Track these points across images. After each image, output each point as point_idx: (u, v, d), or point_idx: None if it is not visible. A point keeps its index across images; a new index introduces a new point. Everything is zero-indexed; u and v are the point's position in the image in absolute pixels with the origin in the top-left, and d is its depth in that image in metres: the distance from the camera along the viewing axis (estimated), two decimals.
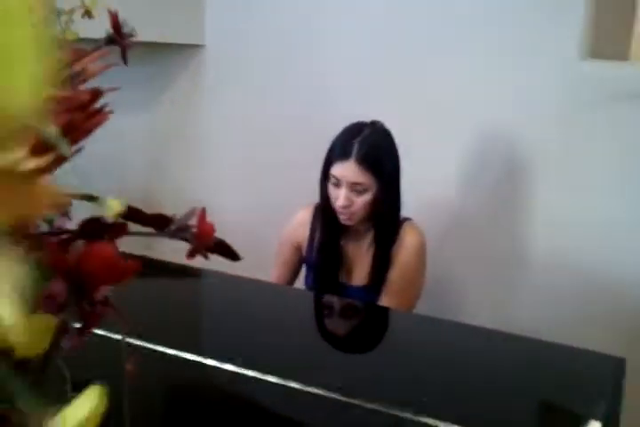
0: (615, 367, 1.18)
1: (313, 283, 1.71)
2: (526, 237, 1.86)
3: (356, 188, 1.51)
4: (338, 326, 1.43)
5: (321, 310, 1.54)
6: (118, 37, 0.42)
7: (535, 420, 1.07)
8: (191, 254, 0.47)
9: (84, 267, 0.22)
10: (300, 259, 1.74)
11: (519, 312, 1.89)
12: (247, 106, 2.25)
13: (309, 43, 2.11)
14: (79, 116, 0.36)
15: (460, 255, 1.96)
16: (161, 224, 0.48)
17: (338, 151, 1.53)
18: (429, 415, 0.96)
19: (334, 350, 1.29)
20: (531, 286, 1.87)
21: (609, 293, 1.76)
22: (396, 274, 1.61)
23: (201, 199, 2.26)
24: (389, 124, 1.59)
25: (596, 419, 1.02)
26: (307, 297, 1.64)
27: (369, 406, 0.98)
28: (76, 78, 0.43)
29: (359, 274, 1.67)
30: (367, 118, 1.59)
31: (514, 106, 1.84)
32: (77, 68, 0.42)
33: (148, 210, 0.43)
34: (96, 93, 0.39)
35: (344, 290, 1.67)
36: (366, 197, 1.53)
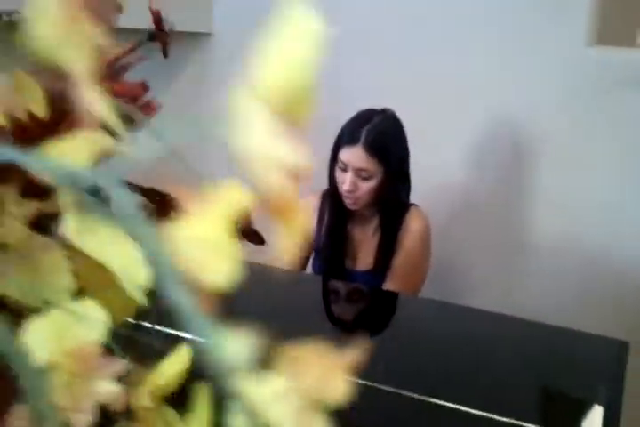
0: (618, 351, 1.21)
1: (320, 269, 1.74)
2: (533, 222, 1.89)
3: (361, 173, 1.54)
4: (344, 310, 1.45)
5: (327, 295, 1.56)
6: (160, 33, 0.45)
7: (539, 403, 1.10)
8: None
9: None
10: (308, 246, 1.77)
11: (525, 296, 1.92)
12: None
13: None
14: (132, 108, 0.39)
15: (466, 240, 1.99)
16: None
17: (347, 136, 1.55)
18: (436, 397, 0.99)
19: (342, 335, 1.32)
20: (537, 270, 1.90)
21: (614, 277, 1.79)
22: (400, 259, 1.64)
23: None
24: (398, 113, 1.61)
25: (599, 403, 1.05)
26: (315, 282, 1.67)
27: (383, 387, 1.01)
28: (120, 71, 0.45)
29: (364, 259, 1.70)
30: (387, 103, 1.61)
31: (521, 92, 1.85)
32: (120, 61, 0.45)
33: None
34: (144, 86, 0.42)
35: (350, 275, 1.70)
36: (371, 184, 1.55)
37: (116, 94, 0.41)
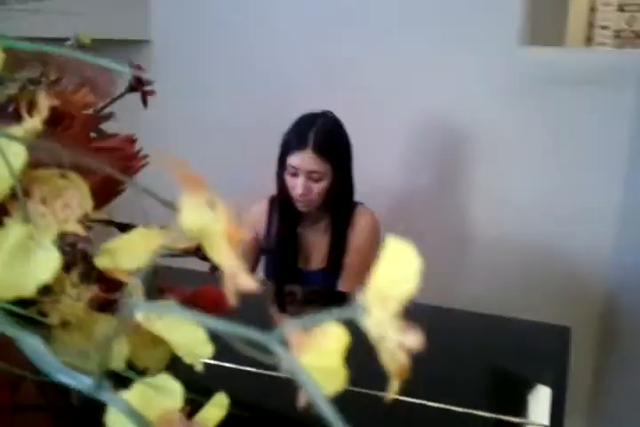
0: (561, 336, 1.29)
1: (273, 271, 1.78)
2: (471, 216, 1.97)
3: (312, 176, 1.59)
4: (299, 313, 1.50)
5: (282, 299, 1.61)
6: (140, 86, 0.48)
7: (489, 391, 1.16)
8: (212, 271, 0.54)
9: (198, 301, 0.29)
10: (258, 250, 1.81)
11: (468, 287, 2.00)
12: (197, 104, 2.28)
13: (260, 39, 2.15)
14: (122, 163, 0.42)
15: (408, 235, 2.05)
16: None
17: (294, 142, 1.60)
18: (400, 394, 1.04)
19: None
20: (478, 261, 1.98)
21: (552, 265, 1.88)
22: (352, 257, 1.70)
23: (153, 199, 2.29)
24: (339, 111, 1.67)
25: (547, 385, 1.13)
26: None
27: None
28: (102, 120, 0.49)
29: (317, 258, 1.75)
30: (314, 109, 1.66)
31: (455, 91, 1.92)
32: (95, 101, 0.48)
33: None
34: (132, 140, 0.45)
35: (303, 275, 1.75)
36: (323, 184, 1.61)
37: (103, 149, 0.45)
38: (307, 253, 1.76)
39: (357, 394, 1.02)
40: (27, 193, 0.24)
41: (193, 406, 0.24)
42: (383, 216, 1.87)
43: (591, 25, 3.85)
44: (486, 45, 1.86)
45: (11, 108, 0.35)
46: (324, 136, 1.59)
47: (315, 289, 1.69)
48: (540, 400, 1.09)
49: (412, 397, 1.03)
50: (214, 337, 0.24)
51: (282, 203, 1.69)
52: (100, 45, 1.93)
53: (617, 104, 1.76)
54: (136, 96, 0.52)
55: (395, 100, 1.99)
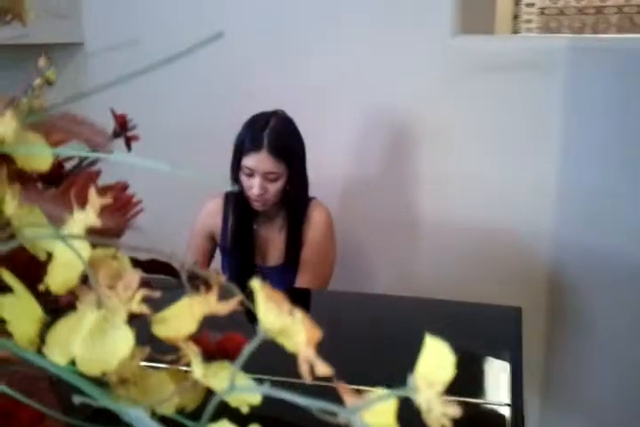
0: (513, 316, 1.37)
1: (230, 269, 1.81)
2: (420, 201, 2.03)
3: (269, 176, 1.62)
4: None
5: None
6: (124, 133, 0.52)
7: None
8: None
9: (224, 349, 0.33)
10: (213, 247, 1.84)
11: (422, 271, 2.07)
12: (133, 105, 2.27)
13: (195, 37, 2.16)
14: (120, 213, 0.46)
15: (359, 225, 2.11)
16: (170, 273, 0.59)
17: (248, 143, 1.62)
18: (357, 383, 1.08)
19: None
20: (429, 246, 2.05)
21: (496, 246, 1.97)
22: (308, 251, 1.74)
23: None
24: (281, 107, 1.71)
25: (504, 365, 1.20)
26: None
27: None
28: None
29: (273, 255, 1.79)
30: (261, 104, 1.70)
31: (397, 81, 1.98)
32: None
33: None
34: (124, 186, 0.49)
35: (261, 271, 1.79)
36: (279, 184, 1.65)
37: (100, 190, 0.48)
38: (263, 249, 1.80)
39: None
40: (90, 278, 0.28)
41: None
42: (335, 204, 1.93)
43: (517, 3, 4.00)
44: (421, 36, 1.93)
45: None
46: (278, 137, 1.62)
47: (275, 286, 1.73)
48: (499, 380, 1.16)
49: (372, 385, 1.08)
50: None
51: (236, 201, 1.73)
52: (29, 50, 1.90)
53: (547, 87, 1.84)
54: None
55: (339, 92, 2.03)
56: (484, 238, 1.96)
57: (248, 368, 0.28)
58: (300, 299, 1.61)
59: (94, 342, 0.26)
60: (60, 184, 0.55)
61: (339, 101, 2.05)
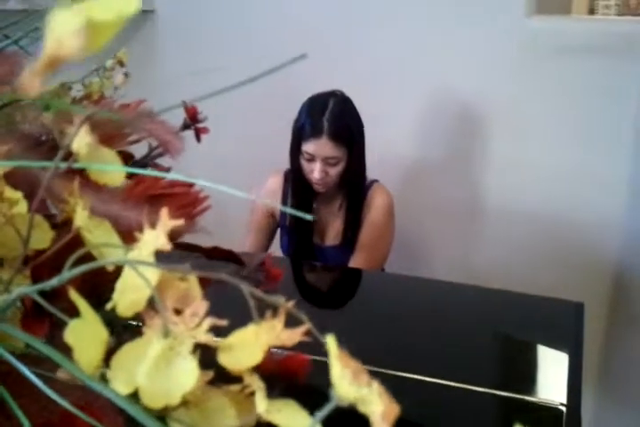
0: (575, 312, 1.33)
1: (288, 246, 1.82)
2: (484, 186, 2.00)
3: (329, 161, 1.62)
4: (312, 289, 1.54)
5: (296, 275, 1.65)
6: (194, 124, 0.51)
7: (504, 369, 1.19)
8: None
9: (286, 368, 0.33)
10: (274, 225, 1.84)
11: (483, 259, 2.04)
12: (203, 72, 2.28)
13: (263, 8, 2.14)
14: (187, 210, 0.45)
15: (423, 206, 2.09)
16: (234, 260, 0.58)
17: (308, 129, 1.61)
18: (405, 370, 1.08)
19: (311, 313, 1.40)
20: (491, 233, 2.01)
21: (563, 237, 1.92)
22: (366, 234, 1.73)
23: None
24: (347, 85, 1.69)
25: (563, 364, 1.17)
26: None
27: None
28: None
29: (331, 235, 1.79)
30: (323, 83, 1.68)
31: (463, 63, 1.93)
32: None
33: None
34: (190, 184, 0.48)
35: (319, 250, 1.79)
36: (339, 167, 1.64)
37: (167, 196, 0.48)
38: (322, 229, 1.80)
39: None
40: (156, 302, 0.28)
41: None
42: (397, 189, 1.90)
43: None
44: (494, 17, 1.86)
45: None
46: (337, 121, 1.60)
47: (330, 266, 1.73)
48: (556, 378, 1.12)
49: (428, 376, 1.07)
50: None
51: (296, 181, 1.72)
52: None
53: (624, 71, 1.77)
54: None
55: (406, 73, 1.99)
56: (550, 228, 1.92)
57: None
58: (358, 279, 1.61)
59: (159, 373, 0.25)
60: (131, 174, 0.55)
61: (407, 83, 2.01)
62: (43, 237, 0.31)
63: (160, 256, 0.29)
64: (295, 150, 1.66)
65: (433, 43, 1.95)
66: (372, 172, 1.75)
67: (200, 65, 2.27)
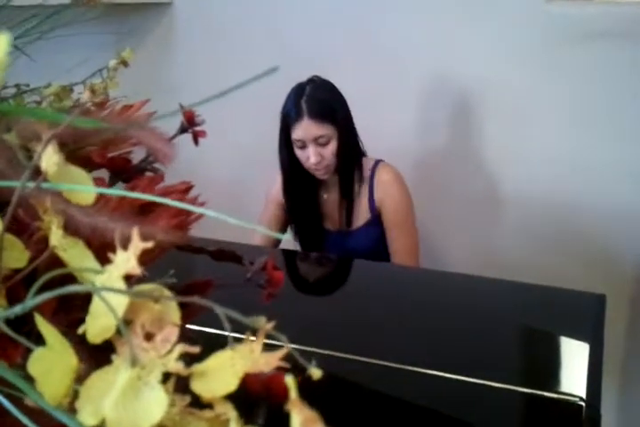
0: (596, 304, 1.31)
1: (300, 236, 1.83)
2: (490, 173, 1.97)
3: (319, 141, 1.62)
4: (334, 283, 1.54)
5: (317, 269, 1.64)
6: (191, 128, 0.50)
7: (523, 363, 1.18)
8: (267, 298, 0.56)
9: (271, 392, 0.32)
10: (285, 220, 1.84)
11: (499, 249, 2.01)
12: (219, 65, 2.27)
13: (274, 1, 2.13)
14: (182, 218, 0.45)
15: (429, 198, 2.06)
16: (238, 262, 0.58)
17: (291, 115, 1.63)
18: (428, 367, 1.07)
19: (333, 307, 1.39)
20: (508, 224, 1.99)
21: (586, 225, 1.88)
22: (390, 211, 1.73)
23: (184, 160, 2.31)
24: (349, 79, 1.69)
25: (584, 352, 1.15)
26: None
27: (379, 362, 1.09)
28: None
29: (354, 217, 1.78)
30: (332, 73, 1.68)
31: (479, 48, 1.90)
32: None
33: None
34: (188, 187, 0.47)
35: (333, 236, 1.80)
36: (332, 146, 1.64)
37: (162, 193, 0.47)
38: (331, 215, 1.80)
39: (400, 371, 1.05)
40: (129, 323, 0.27)
41: None
42: (409, 178, 1.88)
43: None
44: (513, 3, 1.83)
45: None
46: (314, 101, 1.61)
47: (345, 258, 1.71)
48: (575, 373, 1.10)
49: (444, 371, 1.06)
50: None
51: (297, 174, 1.72)
52: (124, 9, 1.93)
53: None
54: None
55: (421, 61, 1.97)
56: (568, 218, 1.88)
57: None
58: (373, 273, 1.60)
59: (126, 404, 0.24)
60: (128, 179, 0.54)
61: (421, 70, 1.98)
62: (18, 257, 0.30)
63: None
64: (285, 143, 1.67)
65: (450, 30, 1.91)
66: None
67: (217, 58, 2.27)
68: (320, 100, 1.63)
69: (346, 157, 1.68)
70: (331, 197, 1.78)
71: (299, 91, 1.64)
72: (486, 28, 1.87)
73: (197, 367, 0.27)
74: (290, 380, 0.21)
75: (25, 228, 0.32)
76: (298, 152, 1.65)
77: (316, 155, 1.62)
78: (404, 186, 1.75)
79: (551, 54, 1.82)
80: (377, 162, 1.75)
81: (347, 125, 1.67)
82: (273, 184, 1.82)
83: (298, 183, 1.74)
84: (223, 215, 0.26)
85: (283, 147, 1.68)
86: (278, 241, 1.87)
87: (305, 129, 1.61)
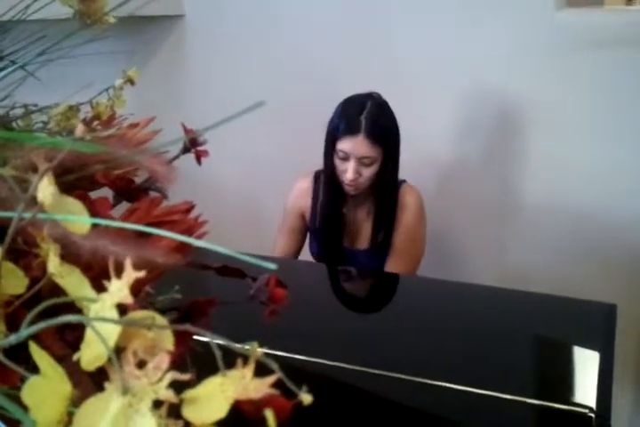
0: (606, 314, 1.30)
1: (318, 249, 1.81)
2: (521, 183, 1.96)
3: (364, 161, 1.60)
4: (344, 293, 1.54)
5: (327, 280, 1.65)
6: (194, 148, 0.51)
7: (533, 374, 1.17)
8: (270, 315, 0.57)
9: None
10: (305, 227, 1.84)
11: (519, 259, 2.00)
12: (231, 76, 2.29)
13: (290, 11, 2.14)
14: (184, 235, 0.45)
15: (458, 206, 2.06)
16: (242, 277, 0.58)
17: (344, 127, 1.59)
18: (435, 379, 1.07)
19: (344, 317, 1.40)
20: (529, 231, 1.97)
21: (604, 235, 1.87)
22: (399, 235, 1.72)
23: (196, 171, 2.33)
24: (379, 86, 1.67)
25: (594, 363, 1.15)
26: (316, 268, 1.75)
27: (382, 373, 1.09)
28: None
29: (362, 238, 1.77)
30: (354, 84, 1.65)
31: (494, 59, 1.90)
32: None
33: None
34: (189, 207, 0.48)
35: (349, 254, 1.78)
36: (373, 169, 1.62)
37: (165, 223, 0.48)
38: (352, 232, 1.78)
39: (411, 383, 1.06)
40: (121, 351, 0.27)
41: None
42: (431, 188, 1.88)
43: None
44: (524, 11, 1.82)
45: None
46: (375, 121, 1.58)
47: (364, 269, 1.72)
48: (585, 383, 1.10)
49: (454, 383, 1.06)
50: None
51: (328, 182, 1.71)
52: (135, 22, 1.93)
53: None
54: None
55: (436, 70, 1.97)
56: (588, 228, 1.87)
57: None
58: (388, 283, 1.61)
59: None
60: (132, 198, 0.55)
61: (436, 81, 1.98)
62: (17, 283, 0.31)
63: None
64: (329, 150, 1.64)
65: (462, 40, 1.91)
66: (406, 168, 1.73)
67: (229, 69, 2.28)
68: (380, 122, 1.60)
69: (382, 183, 1.67)
70: (350, 213, 1.77)
71: (358, 104, 1.61)
72: (498, 38, 1.87)
73: (188, 394, 0.27)
74: (269, 413, 0.21)
75: (24, 254, 0.33)
76: (337, 162, 1.63)
77: (355, 172, 1.60)
78: (422, 213, 1.73)
79: (564, 63, 1.81)
80: (400, 182, 1.73)
81: (394, 153, 1.65)
82: (290, 193, 1.83)
83: (328, 190, 1.73)
84: (213, 245, 0.26)
85: (326, 152, 1.66)
86: (298, 252, 1.87)
87: (356, 145, 1.58)
